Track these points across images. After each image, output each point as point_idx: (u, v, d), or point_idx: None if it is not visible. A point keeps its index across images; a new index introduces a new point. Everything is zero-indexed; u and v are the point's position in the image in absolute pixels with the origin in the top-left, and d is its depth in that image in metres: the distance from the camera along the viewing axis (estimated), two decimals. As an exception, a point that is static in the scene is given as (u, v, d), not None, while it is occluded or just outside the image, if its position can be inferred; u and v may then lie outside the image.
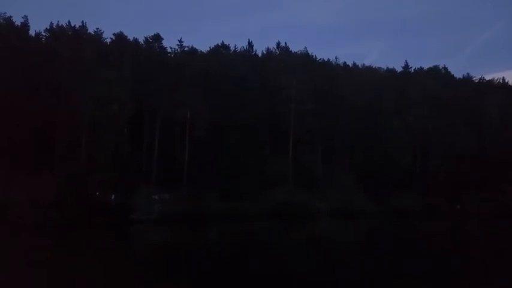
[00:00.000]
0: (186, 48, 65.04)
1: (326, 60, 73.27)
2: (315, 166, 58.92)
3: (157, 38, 62.60)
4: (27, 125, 46.53)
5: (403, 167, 65.01)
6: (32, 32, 57.53)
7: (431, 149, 68.13)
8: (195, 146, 55.93)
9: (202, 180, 51.95)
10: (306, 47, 71.53)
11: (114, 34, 61.07)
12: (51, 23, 57.56)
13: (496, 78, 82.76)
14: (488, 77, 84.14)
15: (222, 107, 57.01)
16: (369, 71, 78.17)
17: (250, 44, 70.64)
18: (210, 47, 68.56)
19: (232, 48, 70.01)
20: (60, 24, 57.33)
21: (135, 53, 59.59)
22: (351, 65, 77.10)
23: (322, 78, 64.44)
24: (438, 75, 78.08)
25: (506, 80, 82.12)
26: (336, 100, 64.51)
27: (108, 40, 60.71)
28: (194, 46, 66.08)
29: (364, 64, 78.74)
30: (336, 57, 76.37)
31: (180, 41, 64.61)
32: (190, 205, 47.81)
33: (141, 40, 63.39)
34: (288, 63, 63.24)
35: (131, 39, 62.31)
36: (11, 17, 55.20)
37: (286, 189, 54.64)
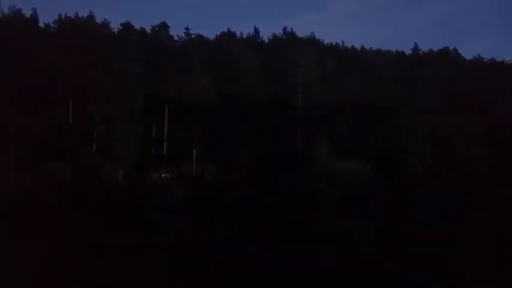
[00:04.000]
0: (192, 36, 65.80)
1: (334, 43, 73.47)
2: (321, 151, 59.25)
3: (163, 26, 63.24)
4: (40, 117, 47.69)
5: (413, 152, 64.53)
6: (41, 24, 58.86)
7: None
8: (204, 131, 56.82)
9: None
10: (313, 32, 71.60)
11: (121, 24, 62.04)
12: (60, 15, 58.79)
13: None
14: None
15: (229, 94, 57.69)
16: (377, 53, 77.68)
17: (256, 30, 71.05)
18: (216, 35, 69.32)
19: (238, 35, 70.53)
20: (68, 16, 58.45)
21: (143, 42, 60.52)
22: (359, 48, 76.86)
23: (329, 62, 64.64)
24: (449, 58, 77.43)
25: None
26: (343, 84, 64.57)
27: (116, 30, 61.71)
28: (201, 33, 66.99)
29: (371, 47, 78.19)
30: (342, 41, 76.25)
31: (186, 29, 65.51)
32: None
33: (148, 29, 64.25)
34: (294, 48, 63.43)
35: (138, 28, 63.16)
36: (20, 9, 56.43)
37: (296, 174, 55.08)
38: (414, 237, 31.23)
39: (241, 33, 71.38)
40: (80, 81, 51.41)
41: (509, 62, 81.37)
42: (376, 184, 53.59)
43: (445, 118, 67.32)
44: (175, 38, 65.44)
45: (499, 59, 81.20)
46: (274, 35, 72.04)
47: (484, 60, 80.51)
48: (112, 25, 61.08)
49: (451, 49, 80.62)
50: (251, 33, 71.45)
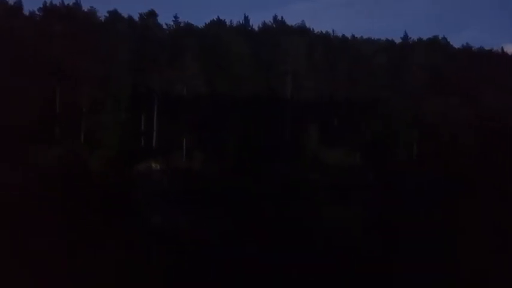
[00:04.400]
0: (181, 24, 65.07)
1: (324, 32, 73.15)
2: (311, 140, 59.25)
3: (152, 14, 62.27)
4: (25, 105, 46.77)
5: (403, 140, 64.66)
6: (25, 11, 57.66)
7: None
8: (193, 121, 56.35)
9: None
10: (303, 20, 71.15)
11: (108, 12, 61.08)
12: (45, 2, 57.59)
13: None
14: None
15: (218, 82, 57.25)
16: (367, 42, 77.53)
17: (246, 19, 70.51)
18: (205, 23, 68.62)
19: (228, 23, 69.94)
20: (53, 3, 57.33)
21: (131, 30, 59.64)
22: (349, 37, 76.61)
23: (319, 51, 64.45)
24: (438, 46, 77.53)
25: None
26: (333, 72, 64.45)
27: (103, 18, 60.74)
28: (190, 22, 66.34)
29: (362, 36, 78.04)
30: (333, 30, 75.91)
31: (175, 17, 64.74)
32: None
33: (136, 17, 63.28)
34: (284, 37, 63.06)
35: (126, 16, 62.27)
36: (4, -4, 55.09)
37: (285, 164, 54.91)
38: (404, 225, 31.42)
39: (231, 22, 71.04)
40: (66, 69, 50.49)
41: (497, 51, 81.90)
42: (366, 173, 53.78)
43: (434, 106, 67.66)
44: (164, 27, 64.71)
45: (487, 48, 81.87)
46: (264, 24, 71.74)
47: (473, 49, 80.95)
48: (99, 13, 60.14)
49: (440, 38, 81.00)
50: (241, 22, 71.05)
